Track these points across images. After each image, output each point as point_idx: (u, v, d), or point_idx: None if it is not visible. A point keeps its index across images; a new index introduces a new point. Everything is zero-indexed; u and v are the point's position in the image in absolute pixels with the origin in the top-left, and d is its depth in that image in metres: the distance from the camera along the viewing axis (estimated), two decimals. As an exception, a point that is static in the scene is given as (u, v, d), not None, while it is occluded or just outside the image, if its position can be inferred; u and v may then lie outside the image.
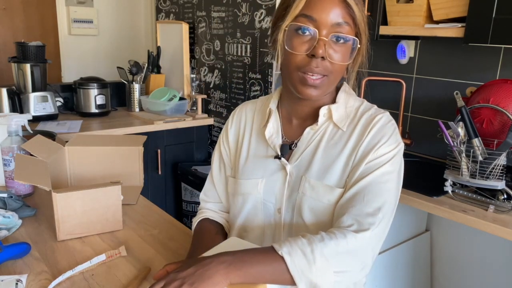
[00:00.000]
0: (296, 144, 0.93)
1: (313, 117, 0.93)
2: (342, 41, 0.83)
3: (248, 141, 1.00)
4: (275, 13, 0.89)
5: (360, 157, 0.86)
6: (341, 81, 0.93)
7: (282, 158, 0.93)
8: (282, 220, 0.92)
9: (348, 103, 0.93)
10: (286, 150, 0.94)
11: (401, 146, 0.88)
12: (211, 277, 0.68)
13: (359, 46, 0.86)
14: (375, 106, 0.93)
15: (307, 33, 0.82)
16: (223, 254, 0.72)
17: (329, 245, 0.73)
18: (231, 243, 0.85)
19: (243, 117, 1.04)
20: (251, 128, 1.01)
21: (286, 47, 0.84)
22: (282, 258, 0.71)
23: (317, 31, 0.81)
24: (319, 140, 0.91)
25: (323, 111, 0.91)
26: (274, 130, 0.96)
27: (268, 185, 0.94)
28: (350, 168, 0.87)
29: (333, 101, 0.93)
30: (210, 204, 1.08)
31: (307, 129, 0.92)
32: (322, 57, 0.82)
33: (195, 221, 1.06)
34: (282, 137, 0.96)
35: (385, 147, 0.85)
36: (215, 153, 1.08)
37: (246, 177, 0.97)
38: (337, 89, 0.95)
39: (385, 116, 0.89)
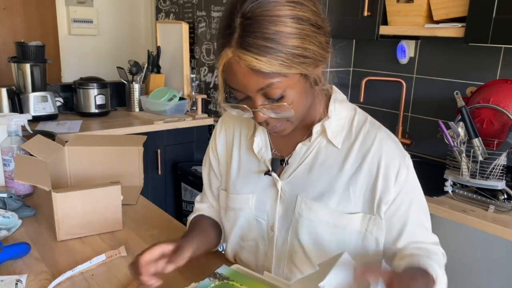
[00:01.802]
0: (287, 161, 0.89)
1: (304, 130, 0.88)
2: (277, 101, 0.74)
3: (238, 153, 0.96)
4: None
5: (383, 191, 0.83)
6: (323, 86, 0.84)
7: (273, 174, 0.89)
8: (275, 238, 0.91)
9: (341, 114, 0.87)
10: (277, 165, 0.90)
11: (407, 154, 0.86)
12: None
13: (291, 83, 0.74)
14: (368, 117, 0.88)
15: (242, 103, 0.77)
16: None
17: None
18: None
19: (230, 125, 0.99)
20: (239, 139, 0.97)
21: (233, 114, 0.80)
22: None
23: (246, 106, 0.76)
24: (313, 157, 0.87)
25: (316, 128, 0.86)
26: (262, 144, 0.92)
27: (259, 201, 0.92)
28: (362, 195, 0.84)
29: (325, 111, 0.87)
30: (204, 205, 1.07)
31: (299, 145, 0.88)
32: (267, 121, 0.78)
33: (190, 218, 1.05)
34: (272, 150, 0.92)
35: (403, 169, 0.83)
36: (205, 161, 1.04)
37: (237, 192, 0.95)
38: (329, 95, 0.89)
39: (383, 133, 0.85)
